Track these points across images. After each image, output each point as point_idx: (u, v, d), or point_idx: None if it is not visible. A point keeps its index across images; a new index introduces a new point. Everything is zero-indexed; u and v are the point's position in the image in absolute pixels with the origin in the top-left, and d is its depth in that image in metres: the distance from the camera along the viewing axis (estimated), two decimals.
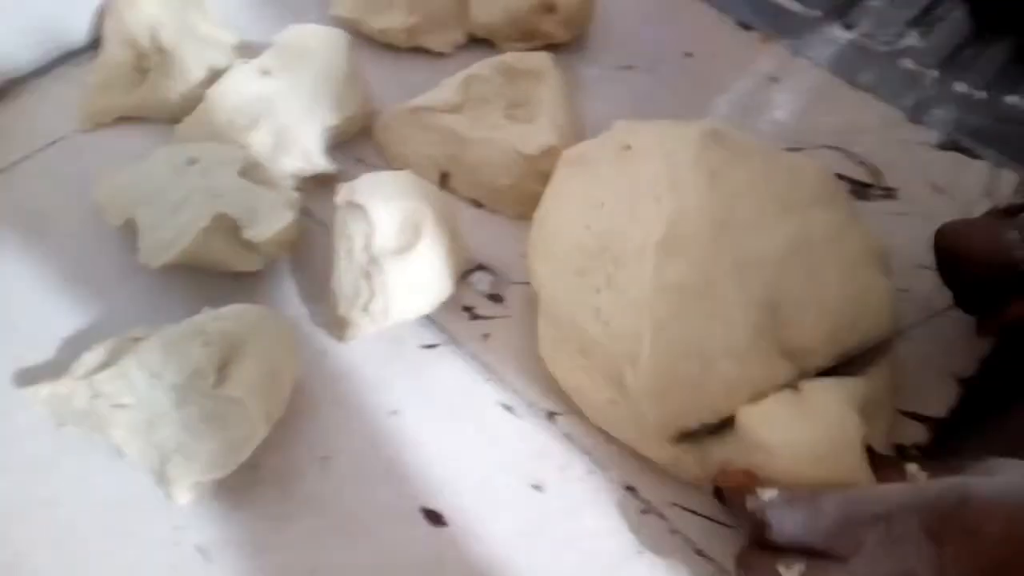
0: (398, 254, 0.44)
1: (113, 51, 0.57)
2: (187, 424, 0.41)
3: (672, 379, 0.40)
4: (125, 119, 0.57)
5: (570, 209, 0.45)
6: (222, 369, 0.41)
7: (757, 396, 0.41)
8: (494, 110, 0.54)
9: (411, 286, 0.44)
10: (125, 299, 0.48)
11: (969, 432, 0.46)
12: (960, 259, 0.45)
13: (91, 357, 0.43)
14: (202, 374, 0.40)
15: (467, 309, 0.50)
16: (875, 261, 0.45)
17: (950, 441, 0.46)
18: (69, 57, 0.60)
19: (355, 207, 0.44)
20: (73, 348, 0.46)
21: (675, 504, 0.43)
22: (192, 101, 0.55)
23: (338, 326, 0.46)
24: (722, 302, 0.40)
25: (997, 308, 0.44)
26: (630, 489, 0.44)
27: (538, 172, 0.52)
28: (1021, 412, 0.46)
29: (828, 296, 0.42)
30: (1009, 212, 0.45)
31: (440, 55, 0.63)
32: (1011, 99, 0.65)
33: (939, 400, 0.48)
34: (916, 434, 0.46)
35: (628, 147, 0.45)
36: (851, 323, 0.43)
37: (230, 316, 0.42)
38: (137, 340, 0.44)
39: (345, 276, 0.44)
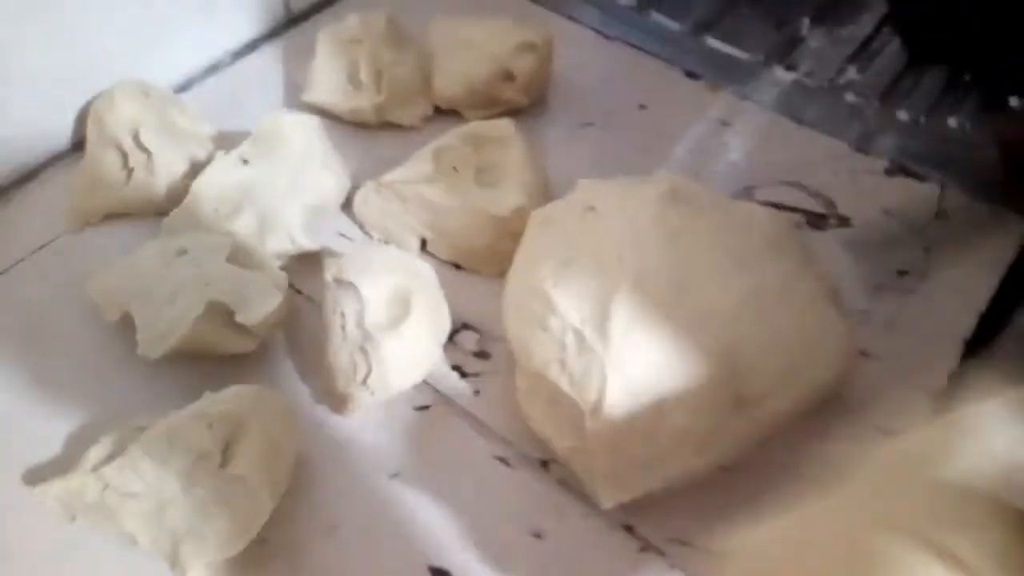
0: (390, 328, 0.46)
1: (96, 153, 0.59)
2: (196, 506, 0.42)
3: (627, 429, 0.42)
4: (113, 216, 0.59)
5: (538, 268, 0.47)
6: (226, 450, 0.42)
7: (707, 446, 0.43)
8: (465, 177, 0.57)
9: (405, 357, 0.47)
10: (126, 390, 0.50)
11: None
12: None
13: (98, 450, 0.45)
14: (207, 456, 0.42)
15: (456, 368, 0.52)
16: (828, 305, 0.48)
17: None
18: (54, 160, 0.63)
19: (345, 284, 0.46)
20: (79, 443, 0.48)
21: (673, 539, 0.45)
22: (177, 194, 0.58)
23: (338, 401, 0.48)
24: (681, 356, 0.43)
25: None
26: (627, 528, 0.45)
27: (510, 232, 0.55)
28: None
29: (782, 342, 0.45)
30: None
31: (409, 128, 0.66)
32: (951, 121, 0.69)
33: (912, 415, 0.50)
34: None
35: (592, 208, 0.48)
36: (805, 365, 0.46)
37: (230, 398, 0.44)
38: (141, 429, 0.45)
39: (341, 352, 0.46)
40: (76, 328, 0.53)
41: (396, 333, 0.46)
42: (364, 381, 0.46)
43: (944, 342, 0.54)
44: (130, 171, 0.59)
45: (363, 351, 0.46)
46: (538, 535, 0.45)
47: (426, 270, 0.50)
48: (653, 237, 0.45)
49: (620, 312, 0.43)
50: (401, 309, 0.47)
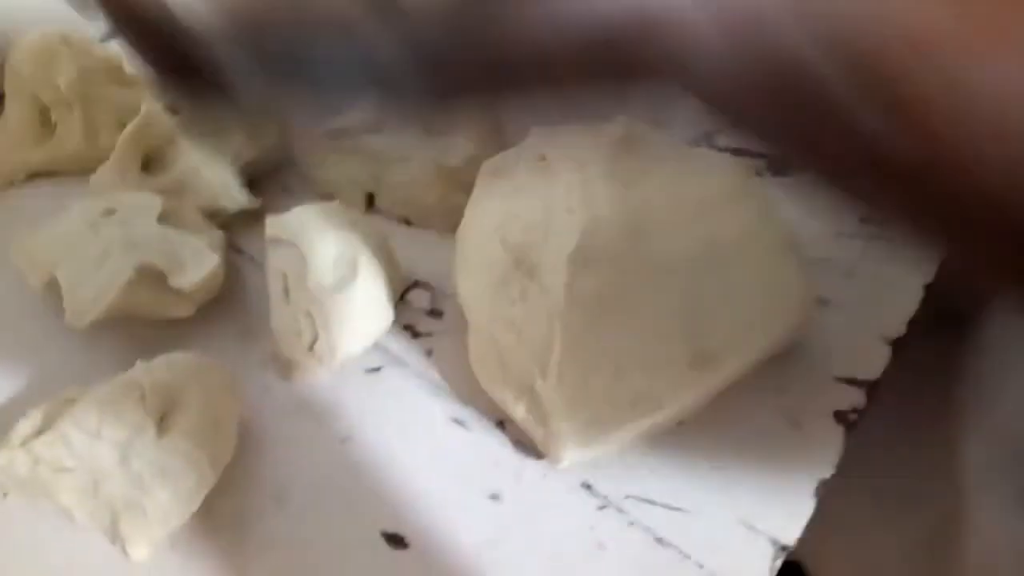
0: (337, 291, 0.44)
1: (15, 108, 0.56)
2: (134, 480, 0.40)
3: (582, 390, 0.41)
4: (38, 175, 0.56)
5: (488, 223, 0.45)
6: (161, 421, 0.40)
7: (664, 404, 0.42)
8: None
9: (354, 321, 0.44)
10: (54, 360, 0.48)
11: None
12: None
13: (26, 424, 0.42)
14: (142, 429, 0.40)
15: (408, 328, 0.50)
16: (788, 255, 0.46)
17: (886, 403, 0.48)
18: None
19: (285, 243, 0.44)
20: (5, 416, 0.45)
21: (631, 496, 0.44)
22: (103, 151, 0.54)
23: (284, 367, 0.46)
24: (635, 312, 0.41)
25: None
26: (586, 486, 0.44)
27: (462, 183, 0.52)
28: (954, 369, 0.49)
29: (740, 297, 0.43)
30: None
31: None
32: None
33: (871, 363, 0.50)
34: (853, 399, 0.48)
35: (543, 158, 0.46)
36: (764, 318, 0.44)
37: (163, 367, 0.41)
38: (71, 401, 0.43)
39: (284, 316, 0.44)
40: (1, 296, 0.50)
41: (343, 296, 0.44)
42: (310, 347, 0.44)
43: (905, 289, 0.53)
44: (53, 127, 0.55)
45: (308, 315, 0.44)
46: (495, 496, 0.44)
47: (374, 224, 0.48)
48: (604, 187, 0.43)
49: (570, 267, 0.41)
50: (348, 270, 0.44)
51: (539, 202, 0.44)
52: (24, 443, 0.41)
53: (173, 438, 0.40)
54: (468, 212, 0.48)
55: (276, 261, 0.45)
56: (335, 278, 0.45)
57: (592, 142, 0.45)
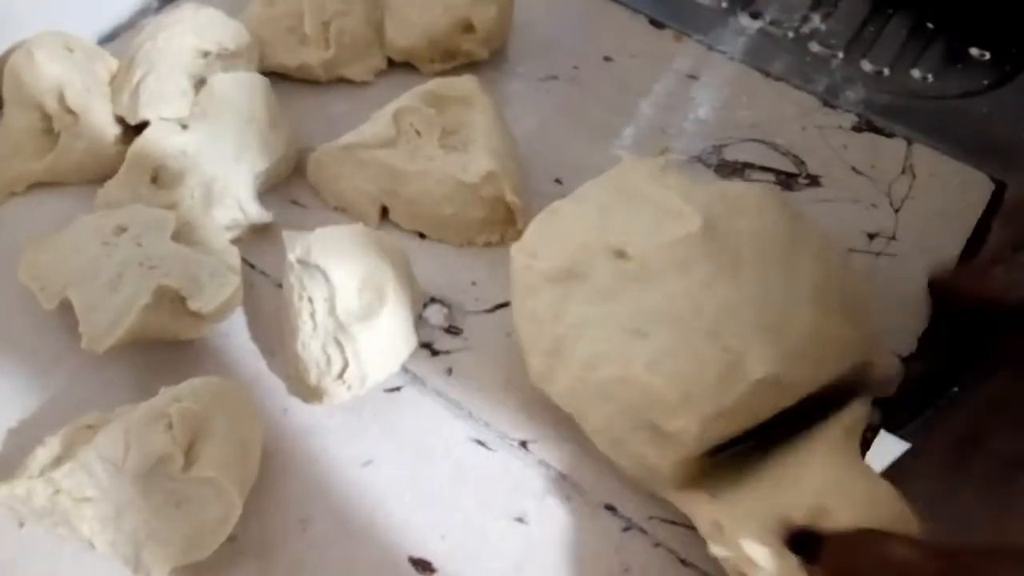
0: (366, 319, 0.43)
1: (16, 115, 0.54)
2: (158, 510, 0.39)
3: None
4: (39, 185, 0.54)
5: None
6: (189, 451, 0.40)
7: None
8: (428, 140, 0.53)
9: (382, 349, 0.44)
10: (69, 381, 0.46)
11: (917, 409, 0.49)
12: (951, 297, 0.48)
13: (45, 452, 0.41)
14: (169, 460, 0.39)
15: (426, 346, 0.50)
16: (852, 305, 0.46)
17: (900, 420, 0.49)
18: None
19: (311, 267, 0.43)
20: (22, 440, 0.44)
21: (654, 517, 0.45)
22: (109, 160, 0.53)
23: (311, 394, 0.45)
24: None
25: (992, 343, 0.46)
26: (609, 508, 0.45)
27: (479, 198, 0.52)
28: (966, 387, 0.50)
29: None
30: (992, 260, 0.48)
31: (361, 83, 0.62)
32: (915, 72, 0.68)
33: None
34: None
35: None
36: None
37: (188, 394, 0.41)
38: (91, 428, 0.42)
39: (312, 342, 0.43)
40: (9, 313, 0.48)
41: (372, 324, 0.43)
42: (340, 376, 0.43)
43: (915, 305, 0.54)
44: (55, 136, 0.53)
45: (337, 343, 0.43)
46: (520, 519, 0.44)
47: (398, 249, 0.47)
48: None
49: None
50: (375, 297, 0.44)
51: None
52: (43, 472, 0.40)
53: (201, 469, 0.39)
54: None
55: (299, 284, 0.44)
56: (363, 305, 0.44)
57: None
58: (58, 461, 0.41)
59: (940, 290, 0.49)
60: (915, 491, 0.45)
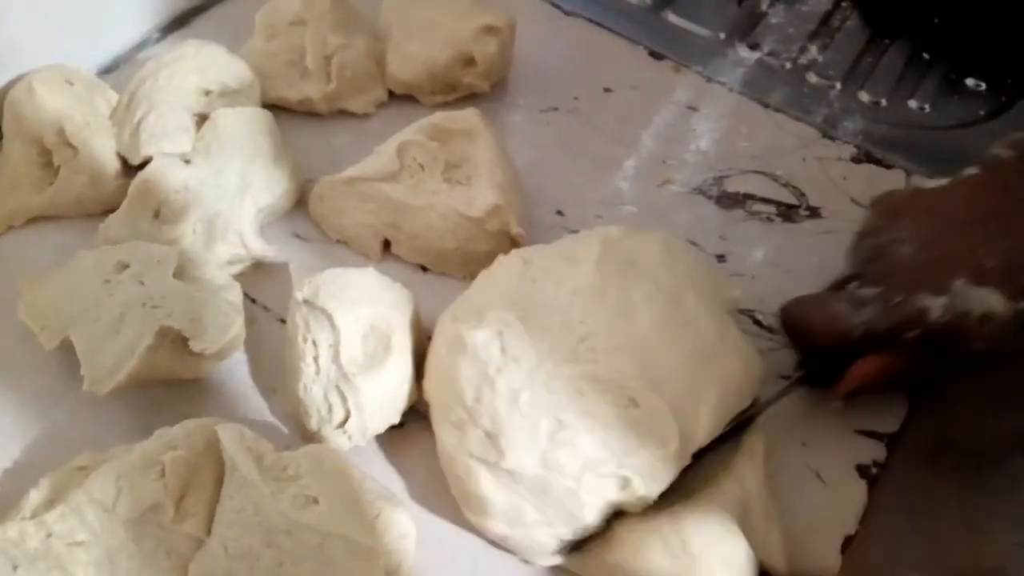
0: (370, 370, 0.42)
1: (16, 149, 0.53)
2: (149, 558, 0.39)
3: None
4: (39, 219, 0.54)
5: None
6: (180, 501, 0.39)
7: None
8: (431, 174, 0.53)
9: (386, 400, 0.43)
10: (69, 420, 0.46)
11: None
12: (802, 334, 0.48)
13: (37, 494, 0.40)
14: (160, 509, 0.38)
15: None
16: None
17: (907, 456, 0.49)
18: None
19: (317, 311, 0.43)
20: (15, 480, 0.44)
21: None
22: (109, 194, 0.53)
23: (311, 438, 0.45)
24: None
25: (840, 376, 0.47)
26: None
27: (484, 232, 0.52)
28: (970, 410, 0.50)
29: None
30: (838, 286, 0.48)
31: (363, 115, 0.62)
32: (912, 103, 0.69)
33: (891, 415, 0.50)
34: (873, 452, 0.49)
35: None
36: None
37: (182, 439, 0.40)
38: (83, 469, 0.41)
39: (314, 386, 0.43)
40: (9, 351, 0.48)
41: (376, 376, 0.43)
42: (342, 426, 0.43)
43: None
44: (55, 169, 0.53)
45: (339, 392, 0.42)
46: (527, 561, 0.44)
47: (405, 295, 0.47)
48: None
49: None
50: (380, 347, 0.43)
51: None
52: (34, 515, 0.40)
53: (193, 525, 0.38)
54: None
55: (304, 325, 0.44)
56: (367, 354, 0.43)
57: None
58: (50, 504, 0.40)
59: (792, 324, 0.49)
60: (895, 487, 0.47)
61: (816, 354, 0.49)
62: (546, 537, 0.41)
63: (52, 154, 0.53)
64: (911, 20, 0.73)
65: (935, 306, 0.43)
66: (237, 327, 0.44)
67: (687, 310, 0.43)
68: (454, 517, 0.44)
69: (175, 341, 0.44)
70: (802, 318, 0.49)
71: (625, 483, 0.40)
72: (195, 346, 0.43)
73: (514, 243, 0.52)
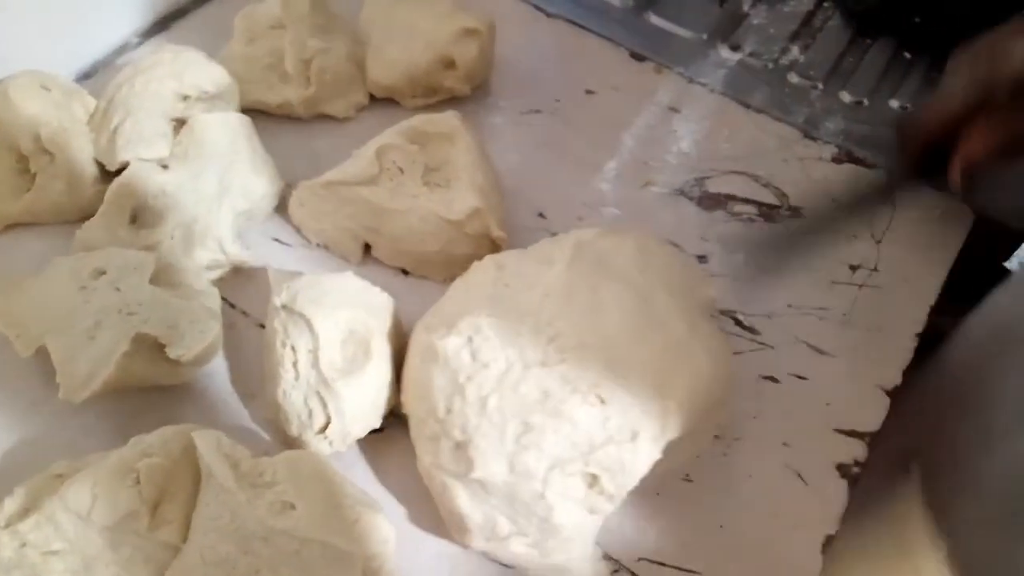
0: (350, 374, 0.42)
1: None
2: (127, 565, 0.38)
3: None
4: (16, 225, 0.53)
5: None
6: (155, 509, 0.39)
7: None
8: (411, 178, 0.53)
9: (366, 404, 0.43)
10: (45, 427, 0.45)
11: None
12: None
13: (12, 503, 0.40)
14: (136, 516, 0.38)
15: None
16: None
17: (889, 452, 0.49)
18: None
19: (296, 316, 0.42)
20: None
21: (643, 559, 0.44)
22: (86, 200, 0.52)
23: (291, 444, 0.44)
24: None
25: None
26: (607, 558, 0.44)
27: (464, 235, 0.52)
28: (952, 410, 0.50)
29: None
30: None
31: (343, 119, 0.61)
32: (893, 103, 0.69)
33: (871, 414, 0.50)
34: (854, 451, 0.49)
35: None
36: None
37: (159, 446, 0.39)
38: (59, 477, 0.41)
39: (294, 392, 0.43)
40: None
41: (356, 381, 0.42)
42: (322, 431, 0.43)
43: (897, 336, 0.54)
44: (32, 176, 0.53)
45: (319, 398, 0.42)
46: (508, 566, 0.43)
47: (385, 299, 0.46)
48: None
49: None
50: (360, 351, 0.43)
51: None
52: (9, 524, 0.39)
53: (165, 533, 0.38)
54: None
55: (283, 330, 0.43)
56: (347, 359, 0.43)
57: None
58: (25, 512, 0.39)
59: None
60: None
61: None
62: (521, 548, 0.41)
63: (29, 160, 0.53)
64: (893, 19, 0.74)
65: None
66: (214, 333, 0.44)
67: (657, 309, 0.43)
68: (434, 523, 0.44)
69: (152, 348, 0.43)
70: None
71: (593, 480, 0.40)
72: (172, 353, 0.43)
73: (495, 246, 0.52)
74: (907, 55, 0.72)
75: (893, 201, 0.60)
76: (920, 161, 0.48)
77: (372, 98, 0.63)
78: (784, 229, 0.58)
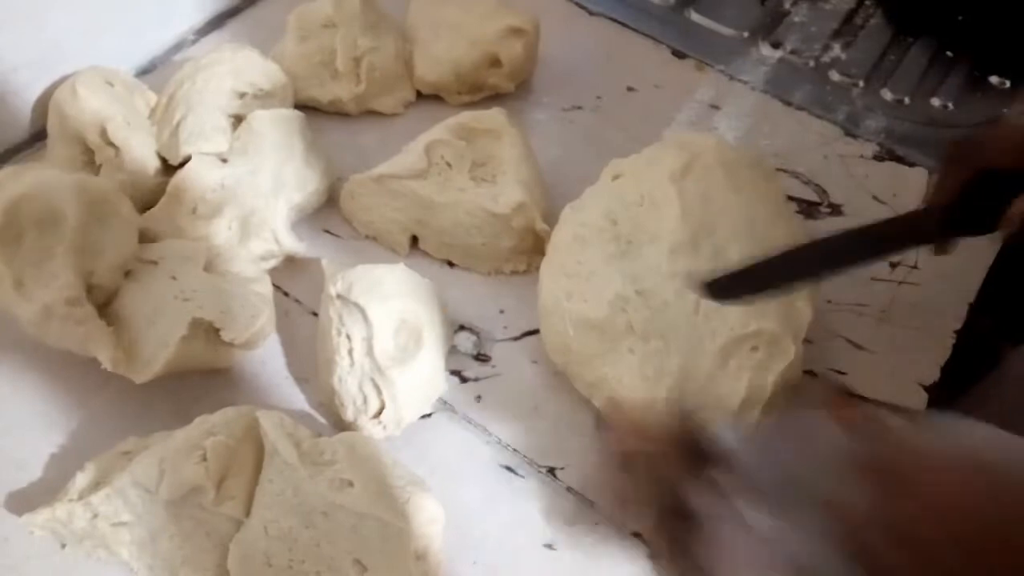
0: (404, 362, 0.44)
1: (59, 148, 0.55)
2: (189, 537, 0.41)
3: None
4: None
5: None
6: (220, 484, 0.41)
7: None
8: (458, 172, 0.55)
9: (417, 392, 0.45)
10: (107, 408, 0.48)
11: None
12: (976, 150, 0.44)
13: (83, 477, 0.43)
14: (200, 491, 0.40)
15: (456, 373, 0.51)
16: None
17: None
18: (10, 153, 0.59)
19: (351, 305, 0.44)
20: (62, 465, 0.46)
21: None
22: (149, 192, 0.55)
23: (345, 427, 0.46)
24: None
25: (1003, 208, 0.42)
26: (636, 535, 0.45)
27: (510, 229, 0.53)
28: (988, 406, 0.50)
29: None
30: None
31: (391, 115, 0.63)
32: (935, 101, 0.69)
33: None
34: None
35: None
36: None
37: (223, 426, 0.42)
38: (127, 454, 0.43)
39: (349, 378, 0.45)
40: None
41: (409, 368, 0.44)
42: (377, 416, 0.44)
43: (936, 333, 0.54)
44: (98, 168, 0.55)
45: (374, 384, 0.44)
46: (550, 546, 0.45)
47: (432, 290, 0.48)
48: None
49: None
50: (411, 340, 0.45)
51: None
52: (81, 497, 0.42)
53: (230, 507, 0.40)
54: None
55: (338, 319, 0.45)
56: (399, 347, 0.45)
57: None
58: (96, 486, 0.42)
59: (962, 144, 0.44)
60: None
61: (983, 181, 0.43)
62: None
63: (94, 153, 0.55)
64: (935, 18, 0.74)
65: None
66: (264, 316, 0.46)
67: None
68: (480, 503, 0.46)
69: (208, 331, 0.46)
70: (976, 134, 0.47)
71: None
72: (225, 336, 0.45)
73: (539, 239, 0.54)
74: (949, 54, 0.72)
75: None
76: (968, 190, 0.43)
77: (418, 95, 0.64)
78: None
